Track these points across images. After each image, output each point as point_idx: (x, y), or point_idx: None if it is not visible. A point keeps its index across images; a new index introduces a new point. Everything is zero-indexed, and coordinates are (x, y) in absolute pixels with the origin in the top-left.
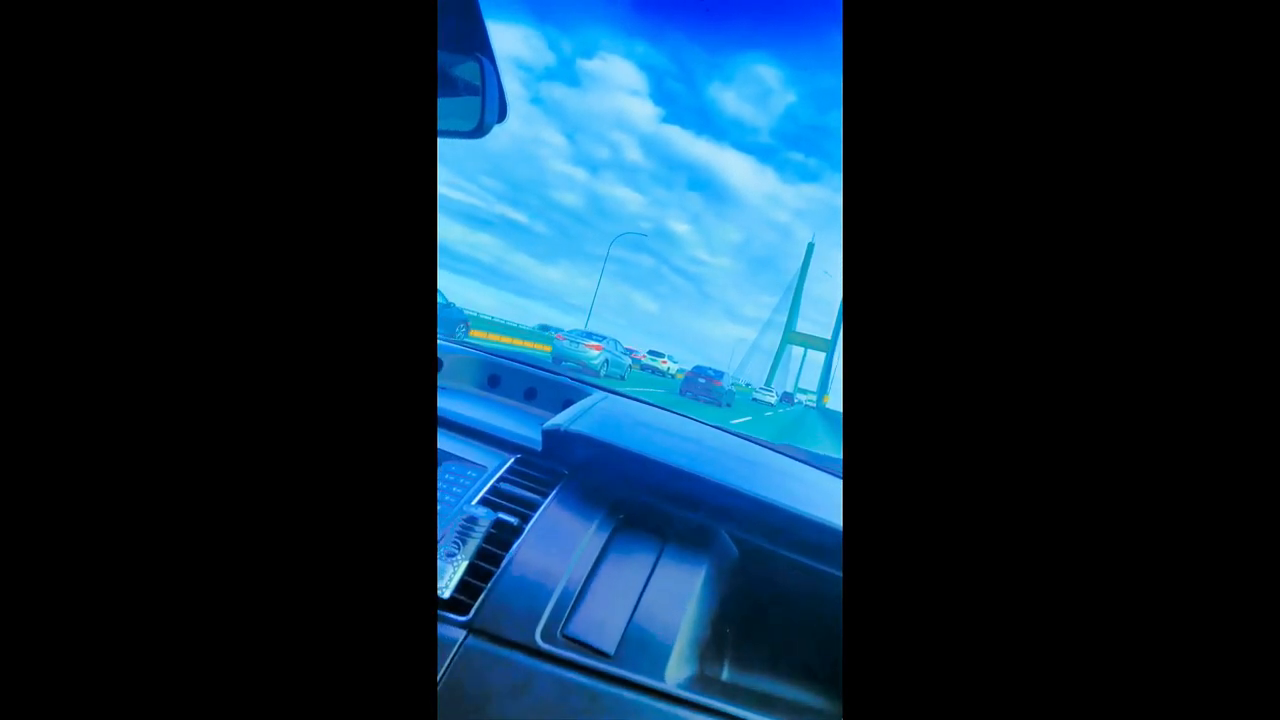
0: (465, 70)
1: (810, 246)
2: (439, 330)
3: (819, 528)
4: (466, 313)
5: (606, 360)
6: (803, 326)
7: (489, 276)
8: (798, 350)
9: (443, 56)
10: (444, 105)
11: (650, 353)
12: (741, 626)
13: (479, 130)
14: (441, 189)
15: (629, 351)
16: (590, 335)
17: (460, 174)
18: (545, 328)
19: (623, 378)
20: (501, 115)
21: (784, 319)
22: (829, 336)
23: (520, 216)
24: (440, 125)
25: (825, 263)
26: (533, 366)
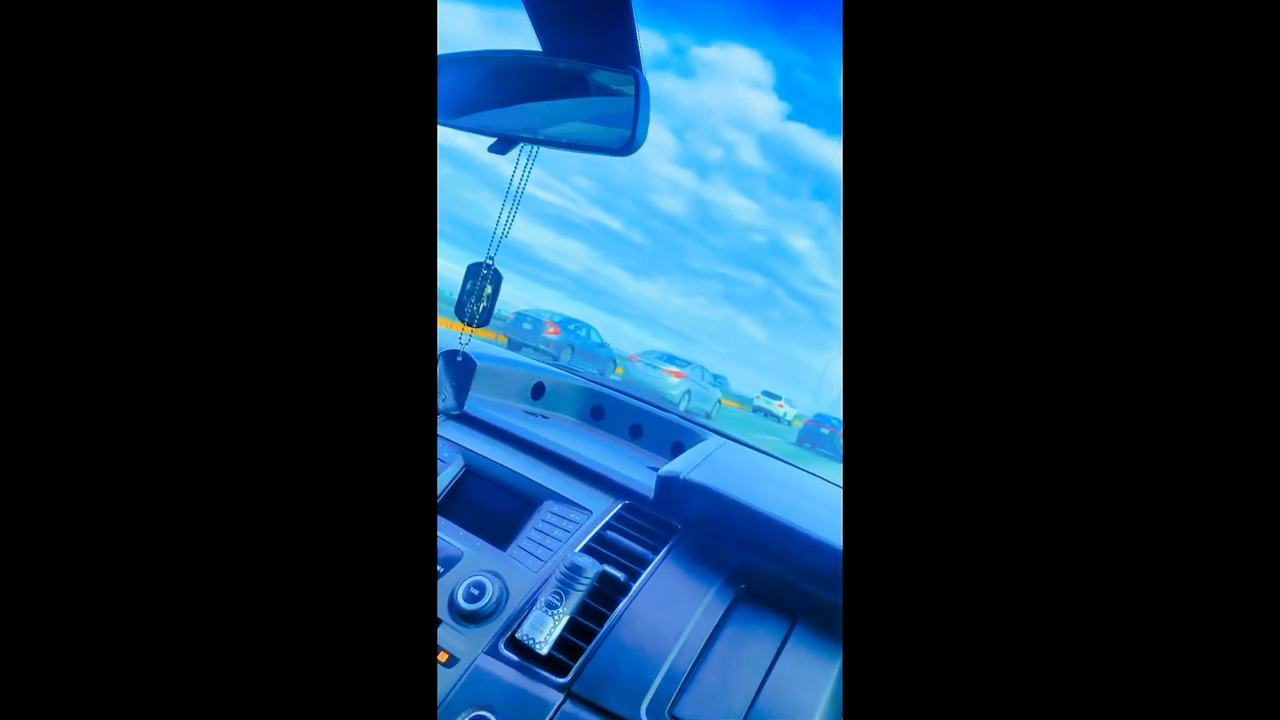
0: (617, 83)
1: None
2: (587, 367)
3: None
4: (617, 353)
5: (689, 392)
6: None
7: (576, 290)
8: None
9: (589, 68)
10: (594, 119)
11: (764, 393)
12: None
13: (630, 146)
14: (531, 189)
15: (718, 380)
16: (671, 359)
17: (552, 173)
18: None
19: (709, 415)
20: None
21: None
22: None
23: (615, 223)
24: (590, 141)
25: None
26: (639, 400)
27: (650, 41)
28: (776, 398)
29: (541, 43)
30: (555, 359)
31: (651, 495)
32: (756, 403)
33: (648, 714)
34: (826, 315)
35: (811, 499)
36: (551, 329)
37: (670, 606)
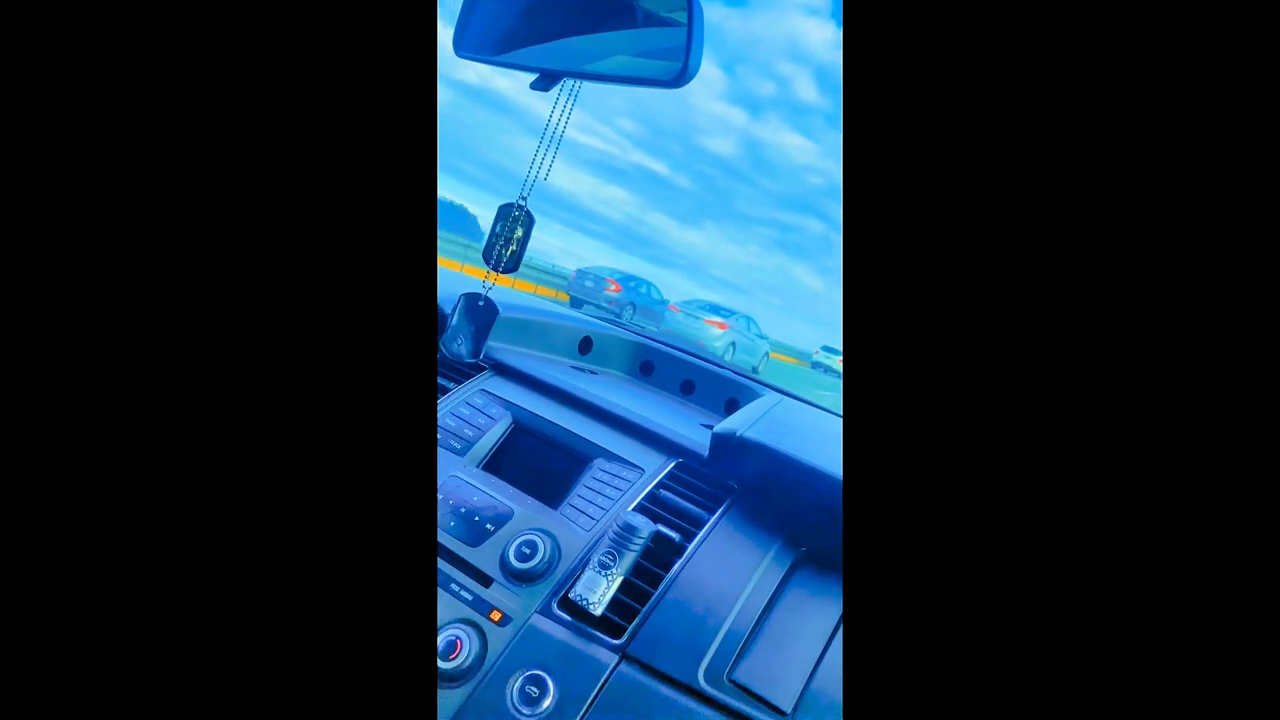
0: (666, 8)
1: None
2: (647, 324)
3: None
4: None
5: (733, 344)
6: None
7: (620, 239)
8: None
9: None
10: (642, 50)
11: (824, 349)
12: None
13: (682, 77)
14: (572, 133)
15: (765, 335)
16: (715, 309)
17: (594, 115)
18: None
19: (756, 369)
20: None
21: None
22: None
23: (660, 167)
24: (639, 74)
25: None
26: (691, 354)
27: None
28: (838, 353)
29: None
30: (617, 316)
31: (705, 454)
32: (815, 358)
33: (705, 678)
34: None
35: None
36: (613, 286)
37: (727, 569)
